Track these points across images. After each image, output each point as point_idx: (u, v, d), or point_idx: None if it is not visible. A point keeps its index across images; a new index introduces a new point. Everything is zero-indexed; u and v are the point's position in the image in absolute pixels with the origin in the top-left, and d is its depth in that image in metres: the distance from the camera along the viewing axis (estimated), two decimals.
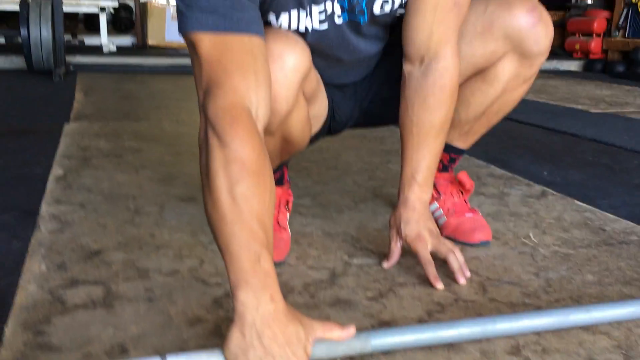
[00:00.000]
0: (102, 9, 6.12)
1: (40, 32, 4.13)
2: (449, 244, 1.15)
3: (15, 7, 4.54)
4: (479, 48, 1.19)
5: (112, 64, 5.25)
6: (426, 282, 1.12)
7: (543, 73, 5.60)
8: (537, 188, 1.79)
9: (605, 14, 6.49)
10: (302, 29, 1.04)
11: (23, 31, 4.15)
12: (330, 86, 1.23)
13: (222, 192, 0.79)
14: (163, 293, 1.06)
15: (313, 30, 1.05)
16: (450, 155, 1.39)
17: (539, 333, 0.95)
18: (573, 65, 6.37)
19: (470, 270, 1.16)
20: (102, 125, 2.54)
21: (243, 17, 0.87)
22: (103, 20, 6.17)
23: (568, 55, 6.69)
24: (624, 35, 6.32)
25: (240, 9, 0.87)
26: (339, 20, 1.07)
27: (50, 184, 1.67)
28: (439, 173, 1.39)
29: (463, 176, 1.39)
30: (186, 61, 4.98)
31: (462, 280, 1.12)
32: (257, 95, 0.86)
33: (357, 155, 2.14)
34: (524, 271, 1.20)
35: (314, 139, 1.27)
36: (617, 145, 2.48)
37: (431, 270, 1.11)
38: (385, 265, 1.19)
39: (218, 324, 0.96)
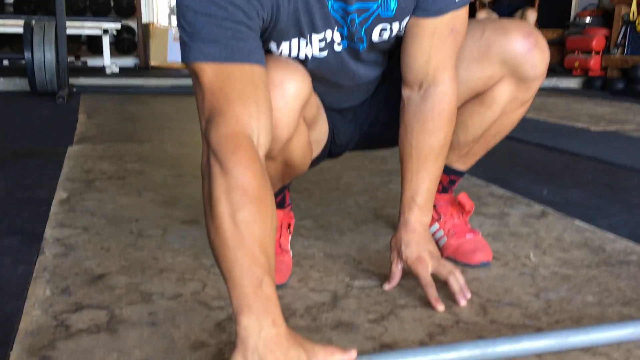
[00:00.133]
0: (105, 31, 6.19)
1: (44, 55, 4.18)
2: (449, 265, 1.16)
3: (20, 30, 4.59)
4: (476, 72, 1.21)
5: (115, 85, 5.30)
6: (427, 304, 1.13)
7: (543, 91, 5.63)
8: (537, 208, 1.80)
9: (603, 31, 6.55)
10: (302, 56, 1.06)
11: (27, 54, 4.20)
12: (331, 110, 1.25)
13: (225, 219, 0.81)
14: (166, 317, 1.07)
15: (313, 57, 1.07)
16: (449, 177, 1.40)
17: (539, 355, 0.96)
18: (573, 83, 6.42)
19: (471, 292, 1.16)
20: (105, 148, 2.57)
21: (244, 47, 0.89)
22: (106, 42, 6.24)
23: (568, 72, 6.74)
24: (622, 53, 6.37)
25: (241, 39, 0.89)
26: (338, 48, 1.09)
27: (54, 208, 1.68)
28: (439, 194, 1.41)
29: (463, 197, 1.40)
30: (188, 82, 5.03)
31: (462, 302, 1.13)
32: (258, 123, 0.88)
33: (358, 175, 2.16)
34: (525, 292, 1.21)
35: (315, 162, 1.28)
36: (617, 163, 2.49)
37: (432, 292, 1.12)
38: (387, 287, 1.20)
39: (221, 348, 0.97)
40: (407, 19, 1.10)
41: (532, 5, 6.82)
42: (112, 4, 7.41)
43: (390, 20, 1.08)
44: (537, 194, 1.97)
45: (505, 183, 2.09)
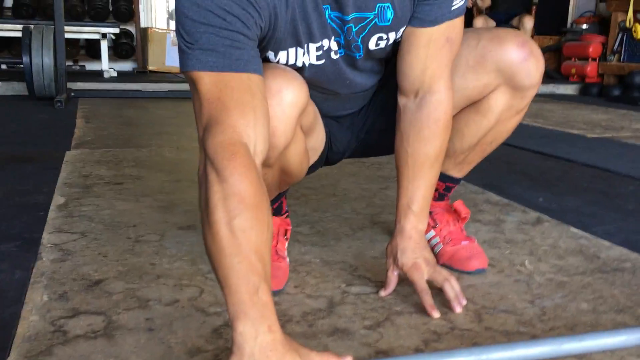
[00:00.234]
0: (104, 35, 6.20)
1: (42, 60, 4.19)
2: (445, 272, 1.17)
3: (18, 34, 4.60)
4: (472, 81, 1.22)
5: (113, 89, 5.31)
6: (422, 310, 1.14)
7: (539, 97, 5.65)
8: (533, 214, 1.81)
9: (600, 38, 6.58)
10: (299, 64, 1.07)
11: (25, 58, 4.20)
12: (328, 118, 1.26)
13: (221, 226, 0.81)
14: (163, 323, 1.07)
15: (310, 65, 1.08)
16: (446, 184, 1.41)
17: None
18: (569, 89, 6.44)
19: (466, 298, 1.17)
20: (103, 153, 2.57)
21: (242, 56, 0.90)
22: (104, 46, 6.25)
23: (564, 79, 6.76)
24: (619, 60, 6.39)
25: (239, 48, 0.90)
26: (335, 56, 1.10)
27: (52, 213, 1.69)
28: (435, 202, 1.42)
29: (459, 205, 1.41)
30: (186, 86, 5.03)
31: (458, 309, 1.13)
32: (255, 132, 0.88)
33: (355, 181, 2.17)
34: (519, 299, 1.22)
35: (312, 169, 1.29)
36: (612, 170, 2.51)
37: (427, 299, 1.13)
38: (383, 293, 1.21)
39: (217, 354, 0.97)
40: (403, 28, 1.11)
41: (529, 12, 6.85)
42: (110, 8, 7.42)
43: (386, 30, 1.09)
44: (533, 200, 1.98)
45: (501, 190, 2.10)
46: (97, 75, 6.11)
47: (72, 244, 1.45)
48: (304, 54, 1.06)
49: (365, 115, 1.32)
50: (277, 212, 1.31)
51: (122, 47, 7.49)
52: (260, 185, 0.85)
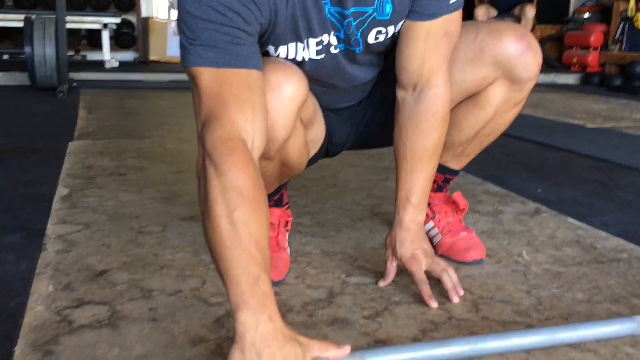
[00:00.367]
0: (105, 25, 6.20)
1: (45, 50, 4.20)
2: (442, 263, 1.19)
3: (20, 25, 4.61)
4: (470, 74, 1.23)
5: (115, 79, 5.32)
6: (421, 300, 1.16)
7: (540, 87, 5.65)
8: (531, 205, 1.83)
9: (602, 27, 6.56)
10: (299, 59, 1.09)
11: (27, 48, 4.22)
12: (327, 110, 1.28)
13: (222, 219, 0.83)
14: (166, 313, 1.09)
15: (310, 60, 1.10)
16: (444, 176, 1.43)
17: (528, 351, 0.99)
18: (571, 78, 6.43)
19: (464, 289, 1.19)
20: (105, 143, 2.59)
21: (242, 52, 0.91)
22: (106, 36, 6.25)
23: (566, 68, 6.76)
24: (620, 49, 6.38)
25: (239, 44, 0.91)
26: (335, 51, 1.11)
27: (56, 204, 1.71)
28: (433, 193, 1.43)
29: (457, 196, 1.43)
30: (186, 77, 5.04)
31: (455, 299, 1.15)
32: (253, 127, 0.90)
33: (356, 172, 2.18)
34: (516, 289, 1.24)
35: (312, 161, 1.31)
36: (611, 161, 2.52)
37: (425, 290, 1.15)
38: (381, 284, 1.23)
39: (219, 343, 1.00)
40: (402, 22, 1.12)
41: (530, 0, 6.83)
42: None
43: (385, 24, 1.10)
44: (531, 191, 2.00)
45: (500, 181, 2.12)
46: (99, 65, 6.12)
47: (76, 235, 1.47)
48: (303, 48, 1.07)
49: (365, 108, 1.33)
50: (277, 203, 1.33)
51: (123, 37, 7.50)
52: (258, 179, 0.87)
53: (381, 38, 1.13)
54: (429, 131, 1.17)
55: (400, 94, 1.19)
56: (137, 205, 1.73)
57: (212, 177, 0.85)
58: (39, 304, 1.11)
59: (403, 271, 1.23)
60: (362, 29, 1.09)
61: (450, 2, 1.10)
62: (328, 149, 1.35)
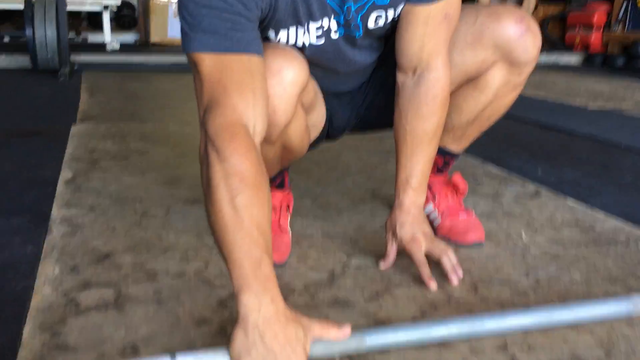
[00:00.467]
0: (106, 7, 6.17)
1: (45, 32, 4.19)
2: (442, 245, 1.20)
3: (20, 7, 4.59)
4: (469, 57, 1.24)
5: (116, 62, 5.31)
6: (421, 282, 1.18)
7: (542, 67, 5.63)
8: (531, 187, 1.84)
9: (605, 7, 6.51)
10: (299, 44, 1.09)
11: (28, 31, 4.21)
12: (328, 94, 1.29)
13: (224, 203, 0.85)
14: (171, 295, 1.12)
15: (310, 44, 1.10)
16: (444, 159, 1.44)
17: (526, 331, 1.01)
18: (573, 59, 6.41)
19: (463, 270, 1.21)
20: (108, 127, 2.60)
21: (242, 38, 0.92)
22: (106, 18, 6.22)
23: (568, 48, 6.72)
24: (623, 29, 6.35)
25: (240, 30, 0.92)
26: (335, 35, 1.12)
27: (60, 187, 1.73)
28: (433, 175, 1.45)
29: (457, 178, 1.44)
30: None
31: (454, 281, 1.17)
32: (254, 112, 0.91)
33: (357, 155, 2.20)
34: (515, 271, 1.26)
35: (313, 145, 1.32)
36: (612, 142, 2.53)
37: (425, 271, 1.17)
38: (382, 266, 1.25)
39: (223, 325, 1.02)
40: (402, 5, 1.12)
41: None
42: None
43: (385, 8, 1.11)
44: (532, 173, 2.01)
45: (500, 162, 2.13)
46: (100, 47, 6.10)
47: (81, 218, 1.49)
48: (304, 33, 1.08)
49: (365, 92, 1.34)
50: (279, 186, 1.35)
51: (124, 19, 7.46)
52: (259, 165, 0.89)
53: (381, 22, 1.13)
54: (428, 115, 1.18)
55: (400, 77, 1.20)
56: (140, 188, 1.74)
57: (214, 162, 0.86)
58: (46, 287, 1.13)
59: (403, 253, 1.24)
60: (361, 13, 1.10)
61: None
62: (329, 133, 1.37)
